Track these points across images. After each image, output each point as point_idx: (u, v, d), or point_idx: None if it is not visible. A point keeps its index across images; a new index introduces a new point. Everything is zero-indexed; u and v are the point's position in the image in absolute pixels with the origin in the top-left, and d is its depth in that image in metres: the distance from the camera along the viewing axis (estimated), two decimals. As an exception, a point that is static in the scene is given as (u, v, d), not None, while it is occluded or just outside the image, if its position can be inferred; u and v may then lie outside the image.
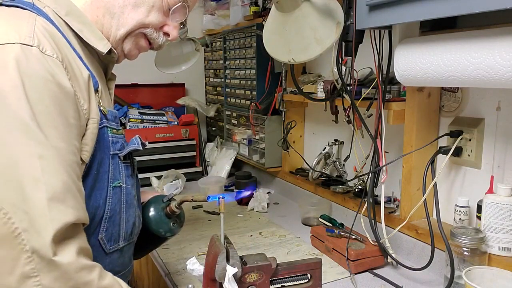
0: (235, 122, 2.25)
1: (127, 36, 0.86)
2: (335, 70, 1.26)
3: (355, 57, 1.19)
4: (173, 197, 1.03)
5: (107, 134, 0.81)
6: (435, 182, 1.14)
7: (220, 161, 2.29)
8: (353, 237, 1.30)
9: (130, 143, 0.88)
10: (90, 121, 0.76)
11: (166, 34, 0.90)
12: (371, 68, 1.38)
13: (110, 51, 0.85)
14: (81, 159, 0.74)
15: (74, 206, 0.67)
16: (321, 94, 1.50)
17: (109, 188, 0.82)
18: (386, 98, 1.26)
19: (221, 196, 0.94)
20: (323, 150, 1.63)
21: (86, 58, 0.80)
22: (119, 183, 0.84)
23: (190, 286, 1.06)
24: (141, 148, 0.89)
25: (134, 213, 0.91)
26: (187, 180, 2.11)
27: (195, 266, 1.01)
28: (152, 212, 1.00)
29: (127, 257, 0.92)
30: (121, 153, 0.85)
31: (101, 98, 0.82)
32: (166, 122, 2.29)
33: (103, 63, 0.89)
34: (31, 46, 0.67)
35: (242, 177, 2.13)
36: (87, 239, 0.73)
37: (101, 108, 0.80)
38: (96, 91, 0.79)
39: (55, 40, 0.72)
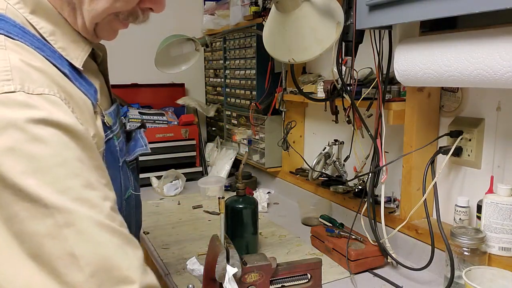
0: (235, 122, 2.25)
1: (96, 27, 0.69)
2: (335, 70, 1.26)
3: (355, 57, 1.19)
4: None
5: (114, 144, 0.70)
6: (435, 182, 1.14)
7: (220, 161, 2.29)
8: (353, 237, 1.30)
9: (136, 146, 0.80)
10: (98, 144, 0.63)
11: (148, 9, 0.71)
12: (371, 68, 1.38)
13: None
14: None
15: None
16: (321, 94, 1.50)
17: (123, 202, 0.74)
18: (386, 98, 1.26)
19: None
20: (323, 150, 1.63)
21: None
22: (130, 192, 0.77)
23: (190, 286, 1.06)
24: (149, 150, 0.81)
25: (140, 212, 0.87)
26: (187, 180, 2.11)
27: (195, 266, 1.01)
28: None
29: None
30: (128, 158, 0.76)
31: (101, 102, 0.69)
32: (166, 122, 2.29)
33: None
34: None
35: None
36: None
37: (105, 121, 0.68)
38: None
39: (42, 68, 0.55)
